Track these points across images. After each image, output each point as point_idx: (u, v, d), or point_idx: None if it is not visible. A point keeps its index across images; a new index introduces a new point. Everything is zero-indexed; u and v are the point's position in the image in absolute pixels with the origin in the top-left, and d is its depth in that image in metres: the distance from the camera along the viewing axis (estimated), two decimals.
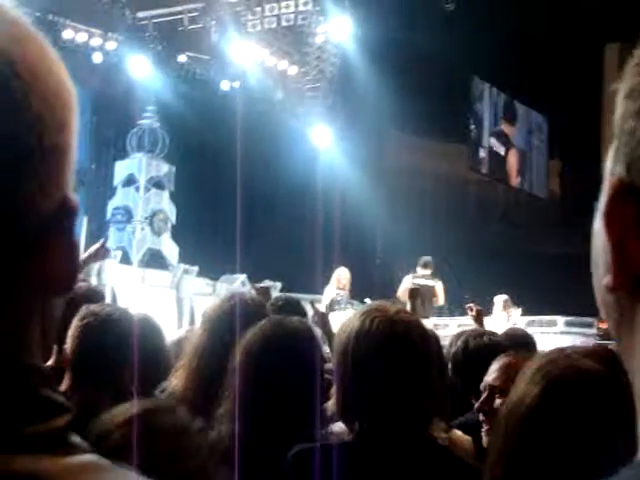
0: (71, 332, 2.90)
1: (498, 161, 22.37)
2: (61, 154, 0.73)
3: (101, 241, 5.08)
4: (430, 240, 18.86)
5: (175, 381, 2.83)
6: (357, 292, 12.83)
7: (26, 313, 0.71)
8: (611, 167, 0.65)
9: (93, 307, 3.06)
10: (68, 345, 2.87)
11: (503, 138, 22.46)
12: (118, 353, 2.91)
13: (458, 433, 3.26)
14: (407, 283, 12.31)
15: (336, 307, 12.16)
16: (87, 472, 0.66)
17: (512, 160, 22.70)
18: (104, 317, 2.97)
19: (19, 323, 0.70)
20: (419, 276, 12.68)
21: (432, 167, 22.60)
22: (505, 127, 22.52)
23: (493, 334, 4.45)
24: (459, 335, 4.31)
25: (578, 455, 1.47)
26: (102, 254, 5.23)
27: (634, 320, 0.63)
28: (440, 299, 13.16)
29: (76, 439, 0.69)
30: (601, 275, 0.64)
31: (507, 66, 19.20)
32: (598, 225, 0.65)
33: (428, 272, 12.78)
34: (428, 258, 13.02)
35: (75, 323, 2.92)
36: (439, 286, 13.07)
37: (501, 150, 22.42)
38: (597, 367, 1.61)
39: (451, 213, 22.10)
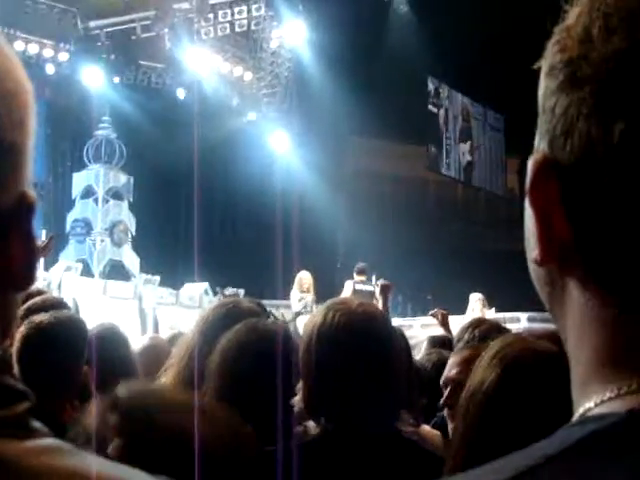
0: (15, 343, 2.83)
1: (456, 160, 22.51)
2: (19, 152, 0.73)
3: (49, 235, 5.05)
4: (391, 241, 18.95)
5: (164, 379, 2.80)
6: (320, 296, 12.83)
7: None
8: (536, 144, 0.66)
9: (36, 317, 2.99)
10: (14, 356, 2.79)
11: (461, 137, 22.61)
12: (70, 359, 2.87)
13: (427, 428, 3.26)
14: (349, 287, 12.43)
15: (302, 311, 12.23)
16: (48, 454, 0.68)
17: (469, 159, 22.85)
18: (46, 326, 2.90)
19: None
20: (358, 281, 12.78)
21: (391, 169, 22.72)
22: (462, 126, 22.66)
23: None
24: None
25: (538, 436, 1.47)
26: (48, 249, 5.20)
27: (564, 292, 0.65)
28: (379, 303, 13.23)
29: (37, 424, 0.70)
30: (532, 250, 0.65)
31: (463, 66, 19.32)
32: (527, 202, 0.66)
33: (364, 278, 12.91)
34: (364, 264, 13.17)
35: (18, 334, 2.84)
36: (377, 290, 13.16)
37: (459, 149, 22.56)
38: (553, 348, 1.62)
39: (411, 214, 22.19)
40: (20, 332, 2.81)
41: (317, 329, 2.19)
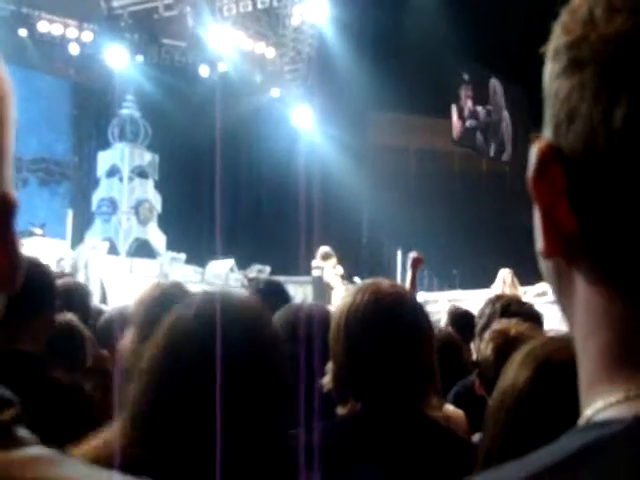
0: None
1: (481, 134, 22.37)
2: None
3: None
4: (415, 215, 18.89)
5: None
6: (345, 271, 12.83)
7: None
8: (543, 131, 0.64)
9: None
10: None
11: (485, 111, 22.45)
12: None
13: (451, 408, 3.26)
14: (330, 271, 12.04)
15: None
16: (34, 464, 0.65)
17: (495, 133, 22.71)
18: None
19: None
20: (332, 266, 12.44)
21: (415, 143, 22.62)
22: (487, 100, 22.50)
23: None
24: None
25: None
26: None
27: (571, 286, 0.62)
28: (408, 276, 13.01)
29: (23, 432, 0.68)
30: (538, 241, 0.63)
31: (488, 40, 19.14)
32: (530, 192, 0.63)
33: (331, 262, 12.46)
34: (327, 248, 12.59)
35: None
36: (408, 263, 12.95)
37: (484, 123, 22.41)
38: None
39: (436, 188, 22.10)
40: None
41: (347, 309, 2.20)
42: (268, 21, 18.06)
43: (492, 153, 22.87)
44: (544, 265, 0.66)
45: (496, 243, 17.36)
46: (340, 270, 12.01)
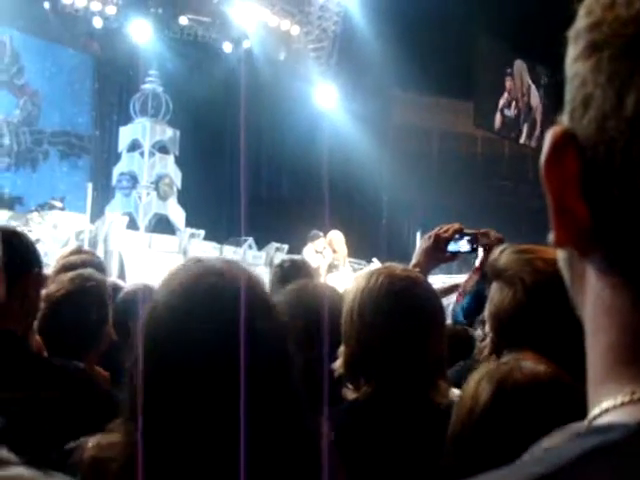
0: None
1: (504, 117, 22.25)
2: None
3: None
4: (437, 197, 18.83)
5: None
6: (364, 252, 12.81)
7: None
8: (561, 116, 0.62)
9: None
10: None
11: (509, 94, 22.32)
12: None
13: (456, 392, 3.26)
14: (311, 252, 11.91)
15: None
16: None
17: (518, 116, 22.57)
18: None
19: None
20: (318, 248, 12.33)
21: (438, 124, 22.52)
22: (510, 83, 22.36)
23: None
24: None
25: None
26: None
27: (583, 278, 0.61)
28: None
29: (4, 453, 0.67)
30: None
31: (513, 22, 19.01)
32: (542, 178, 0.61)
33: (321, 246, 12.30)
34: (315, 231, 12.43)
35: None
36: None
37: (507, 106, 22.29)
38: (548, 370, 1.61)
39: (458, 170, 22.01)
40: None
41: (360, 292, 2.20)
42: None
43: (513, 135, 22.76)
44: (559, 255, 0.64)
45: (516, 226, 17.27)
46: (337, 251, 11.93)
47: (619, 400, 0.56)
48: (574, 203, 0.58)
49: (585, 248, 0.59)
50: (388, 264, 2.37)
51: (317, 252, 11.70)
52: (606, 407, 0.56)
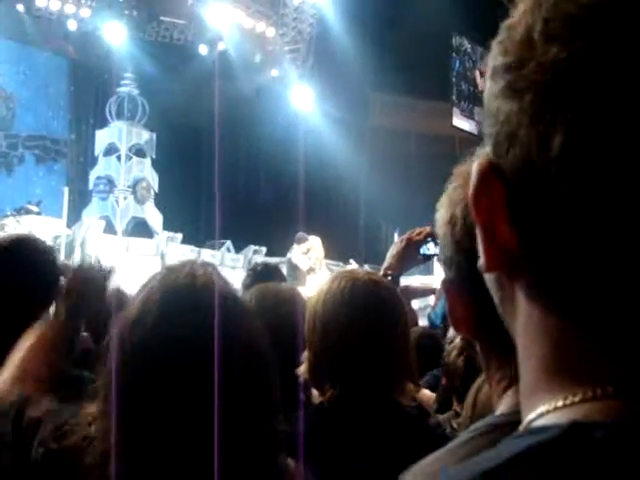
0: None
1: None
2: None
3: None
4: (415, 199, 18.85)
5: None
6: (341, 254, 12.81)
7: None
8: (484, 146, 0.63)
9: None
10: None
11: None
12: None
13: (427, 394, 3.27)
14: (298, 254, 11.95)
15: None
16: None
17: None
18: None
19: None
20: (305, 250, 12.38)
21: (416, 126, 22.55)
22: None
23: None
24: None
25: None
26: None
27: (513, 299, 0.63)
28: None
29: None
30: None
31: (488, 21, 19.07)
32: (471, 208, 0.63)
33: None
34: (301, 234, 12.48)
35: None
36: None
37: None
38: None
39: (436, 171, 22.02)
40: None
41: (323, 295, 2.19)
42: (269, 0, 17.97)
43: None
44: (487, 278, 0.66)
45: None
46: (316, 255, 11.92)
47: (553, 405, 0.58)
48: (502, 229, 0.60)
49: (513, 273, 0.62)
50: (353, 269, 2.38)
51: (303, 254, 11.73)
52: (541, 412, 0.59)
